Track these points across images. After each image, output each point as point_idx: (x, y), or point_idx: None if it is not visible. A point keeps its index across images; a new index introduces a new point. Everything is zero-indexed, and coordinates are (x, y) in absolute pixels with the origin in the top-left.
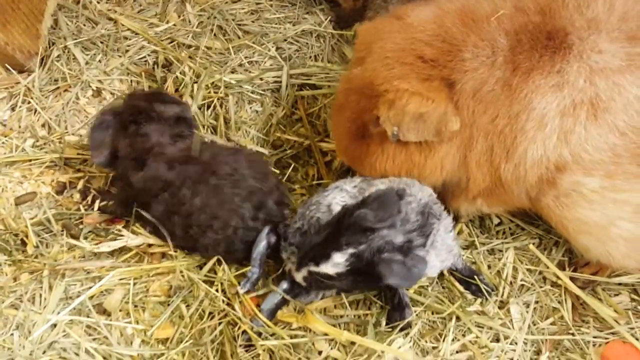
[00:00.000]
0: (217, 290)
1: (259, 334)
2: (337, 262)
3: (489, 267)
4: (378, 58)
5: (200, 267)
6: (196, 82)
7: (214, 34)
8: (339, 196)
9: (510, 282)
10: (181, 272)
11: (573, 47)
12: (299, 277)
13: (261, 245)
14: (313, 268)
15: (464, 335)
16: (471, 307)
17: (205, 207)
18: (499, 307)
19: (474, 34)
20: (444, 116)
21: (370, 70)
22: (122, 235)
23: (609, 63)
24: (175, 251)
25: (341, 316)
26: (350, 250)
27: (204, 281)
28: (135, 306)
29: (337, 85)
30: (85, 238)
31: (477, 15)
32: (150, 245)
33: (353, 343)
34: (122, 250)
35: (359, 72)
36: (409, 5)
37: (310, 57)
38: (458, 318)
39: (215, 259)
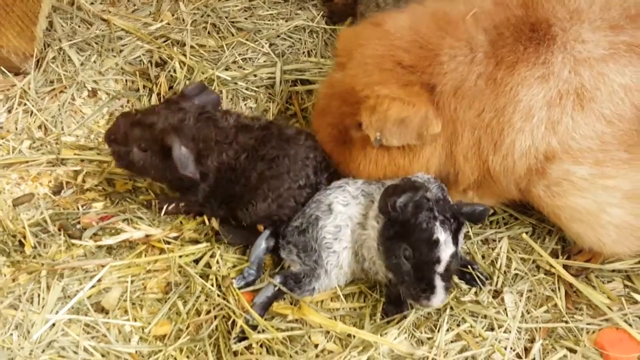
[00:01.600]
0: (212, 285)
1: (254, 327)
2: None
3: (483, 257)
4: (358, 64)
5: (197, 261)
6: (189, 79)
7: (208, 32)
8: (340, 196)
9: (504, 272)
10: (179, 266)
11: (557, 38)
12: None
13: (260, 249)
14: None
15: (458, 325)
16: (465, 297)
17: (289, 150)
18: (493, 297)
19: (449, 35)
20: (425, 120)
21: (351, 76)
22: (123, 230)
23: (592, 53)
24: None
25: (337, 309)
26: None
27: (200, 275)
28: (133, 304)
29: (319, 89)
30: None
31: (451, 16)
32: (149, 236)
33: (349, 335)
34: (123, 245)
35: (340, 78)
36: (384, 13)
37: (304, 52)
38: (452, 308)
39: (209, 252)
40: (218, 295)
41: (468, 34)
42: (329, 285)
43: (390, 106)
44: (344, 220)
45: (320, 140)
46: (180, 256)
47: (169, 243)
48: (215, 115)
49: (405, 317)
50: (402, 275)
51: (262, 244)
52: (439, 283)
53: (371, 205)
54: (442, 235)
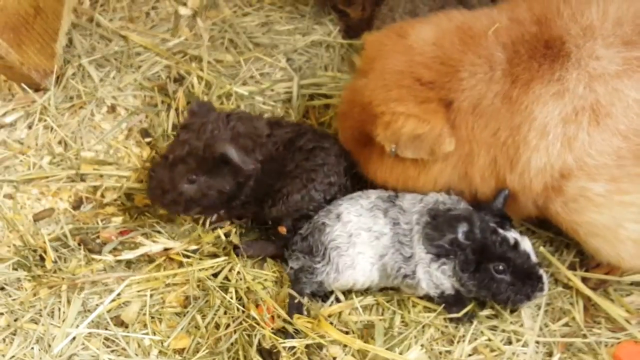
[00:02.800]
0: (231, 298)
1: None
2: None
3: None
4: (378, 78)
5: (215, 275)
6: (207, 94)
7: (225, 47)
8: (352, 208)
9: None
10: (198, 280)
11: (571, 55)
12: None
13: None
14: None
15: (475, 339)
16: (484, 311)
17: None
18: (511, 310)
19: (471, 51)
20: (439, 138)
21: (370, 89)
22: (142, 244)
23: (606, 69)
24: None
25: (355, 322)
26: None
27: (219, 288)
28: (152, 317)
29: (343, 92)
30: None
31: (475, 31)
32: (168, 249)
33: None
34: (141, 259)
35: (361, 86)
36: (411, 22)
37: (321, 67)
38: (470, 321)
39: (228, 265)
40: (237, 309)
41: (488, 51)
42: (342, 284)
43: (405, 124)
44: (356, 230)
45: (343, 140)
46: (200, 270)
47: (187, 257)
48: (245, 113)
49: (473, 314)
50: (506, 288)
51: None
52: (541, 270)
53: (397, 228)
54: (512, 233)
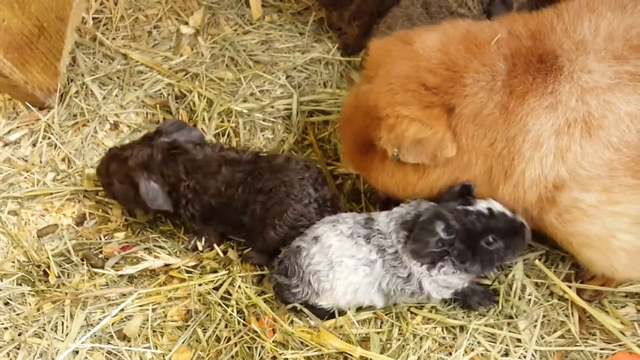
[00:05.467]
0: (232, 312)
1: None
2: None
3: (498, 282)
4: (383, 82)
5: (217, 288)
6: (208, 111)
7: (226, 65)
8: (332, 233)
9: (519, 297)
10: (199, 294)
11: (564, 69)
12: None
13: None
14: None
15: (472, 349)
16: (481, 321)
17: (283, 178)
18: (508, 322)
19: (476, 59)
20: (441, 143)
21: (376, 93)
22: (143, 259)
23: (598, 82)
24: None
25: (355, 335)
26: None
27: (219, 302)
28: (154, 331)
29: (346, 97)
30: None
31: (480, 40)
32: (168, 265)
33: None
34: (143, 273)
35: (366, 91)
36: (415, 30)
37: (320, 84)
38: (467, 332)
39: (229, 279)
40: (238, 323)
41: (492, 61)
42: (325, 305)
43: (409, 127)
44: (337, 257)
45: (345, 147)
46: (200, 284)
47: (189, 272)
48: (187, 148)
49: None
50: (505, 252)
51: None
52: (519, 218)
53: (384, 254)
54: (481, 204)
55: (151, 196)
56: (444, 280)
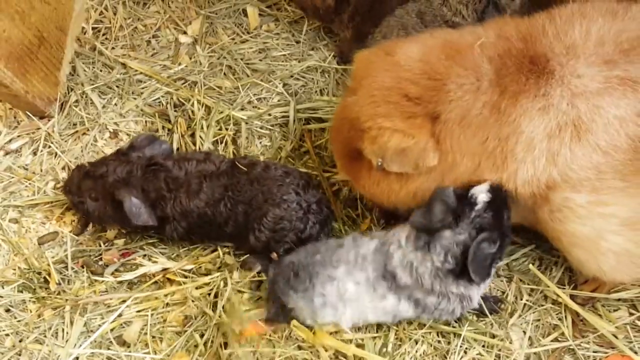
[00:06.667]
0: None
1: None
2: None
3: (493, 287)
4: (366, 94)
5: (216, 295)
6: (206, 119)
7: (224, 74)
8: (350, 278)
9: (514, 301)
10: (194, 299)
11: (555, 72)
12: None
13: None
14: None
15: (465, 353)
16: (474, 326)
17: (261, 187)
18: (501, 326)
19: (457, 64)
20: (423, 152)
21: (359, 105)
22: (142, 265)
23: (588, 86)
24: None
25: (350, 341)
26: None
27: (214, 306)
28: (153, 337)
29: (335, 109)
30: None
31: (460, 46)
32: (166, 269)
33: (360, 359)
34: (142, 279)
35: (350, 103)
36: (398, 40)
37: (316, 91)
38: (461, 337)
39: (222, 281)
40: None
41: (475, 63)
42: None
43: (391, 138)
44: (353, 295)
45: (336, 156)
46: (197, 288)
47: (186, 277)
48: (165, 165)
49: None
50: (508, 222)
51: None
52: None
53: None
54: (481, 195)
55: (135, 212)
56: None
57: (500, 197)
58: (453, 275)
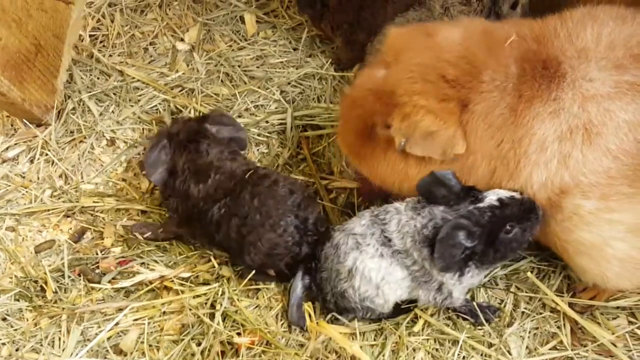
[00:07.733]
0: (221, 326)
1: None
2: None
3: (489, 295)
4: (404, 69)
5: (212, 305)
6: None
7: (221, 81)
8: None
9: (512, 309)
10: (191, 307)
11: (566, 76)
12: None
13: (297, 290)
14: None
15: None
16: (472, 334)
17: (261, 207)
18: (500, 334)
19: (494, 57)
20: (452, 139)
21: (395, 79)
22: (139, 273)
23: (599, 90)
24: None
25: (352, 335)
26: None
27: (211, 316)
28: (150, 346)
29: (357, 78)
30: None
31: (497, 39)
32: (163, 277)
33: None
34: (139, 287)
35: (382, 75)
36: (435, 23)
37: (313, 98)
38: (460, 345)
39: (220, 290)
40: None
41: (507, 61)
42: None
43: (423, 117)
44: (380, 278)
45: (344, 129)
46: (194, 297)
47: (183, 285)
48: (198, 147)
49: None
50: (522, 234)
51: (298, 285)
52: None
53: (413, 272)
54: (489, 196)
55: (149, 164)
56: (469, 282)
57: (509, 213)
58: (428, 248)
